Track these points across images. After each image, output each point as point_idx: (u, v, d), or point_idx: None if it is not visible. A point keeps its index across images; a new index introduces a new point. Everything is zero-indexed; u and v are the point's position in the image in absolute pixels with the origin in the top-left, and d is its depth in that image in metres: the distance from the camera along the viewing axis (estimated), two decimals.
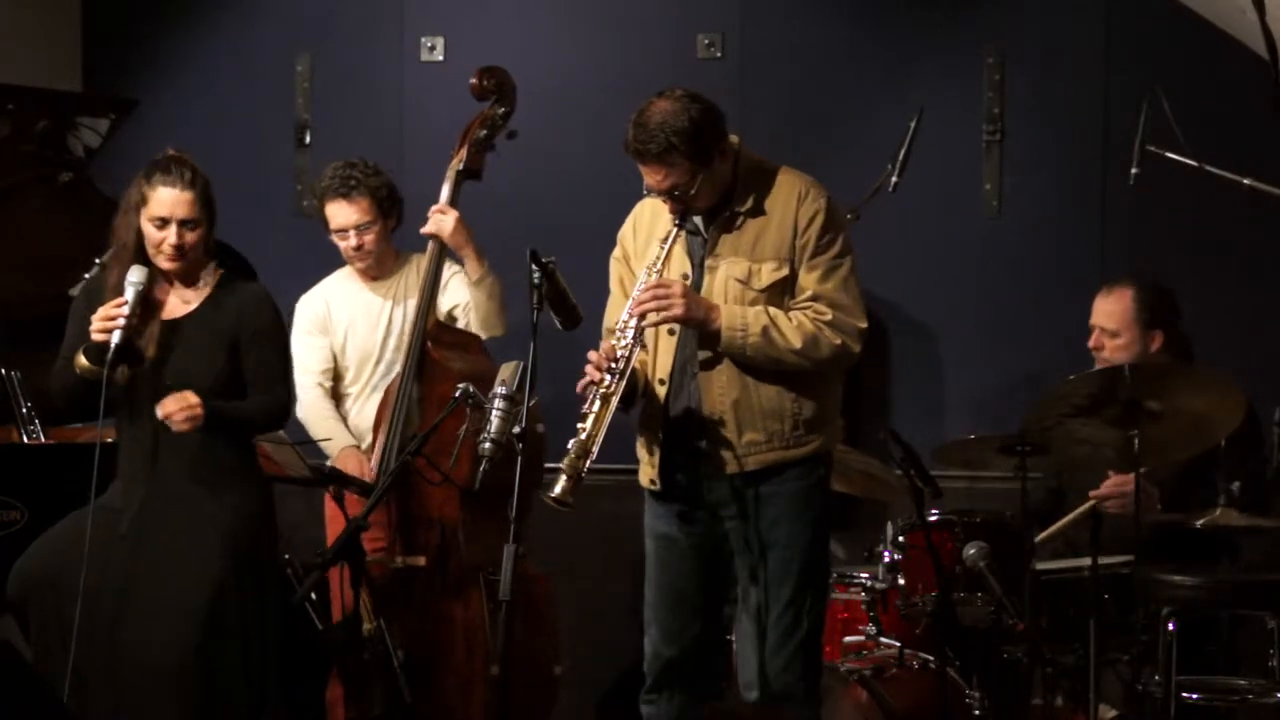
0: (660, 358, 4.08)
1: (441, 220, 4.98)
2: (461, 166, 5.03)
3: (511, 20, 6.05)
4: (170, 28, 6.25)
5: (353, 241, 5.09)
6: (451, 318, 5.09)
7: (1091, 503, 4.60)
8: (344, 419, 5.16)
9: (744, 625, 4.12)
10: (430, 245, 5.00)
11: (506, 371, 4.05)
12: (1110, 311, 4.85)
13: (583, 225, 5.72)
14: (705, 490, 4.08)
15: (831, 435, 4.14)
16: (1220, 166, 4.86)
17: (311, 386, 5.14)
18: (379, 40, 6.13)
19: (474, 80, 5.06)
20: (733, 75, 5.81)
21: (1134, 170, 4.92)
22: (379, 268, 5.16)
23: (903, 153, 5.31)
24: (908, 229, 5.70)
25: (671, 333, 4.05)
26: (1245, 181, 4.83)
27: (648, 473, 4.13)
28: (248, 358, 4.22)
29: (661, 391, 4.07)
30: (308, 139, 6.15)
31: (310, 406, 5.13)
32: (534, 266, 3.95)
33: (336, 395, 5.20)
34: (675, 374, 4.06)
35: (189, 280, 4.25)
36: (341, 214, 5.08)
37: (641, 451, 4.15)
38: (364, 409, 5.12)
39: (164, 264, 4.19)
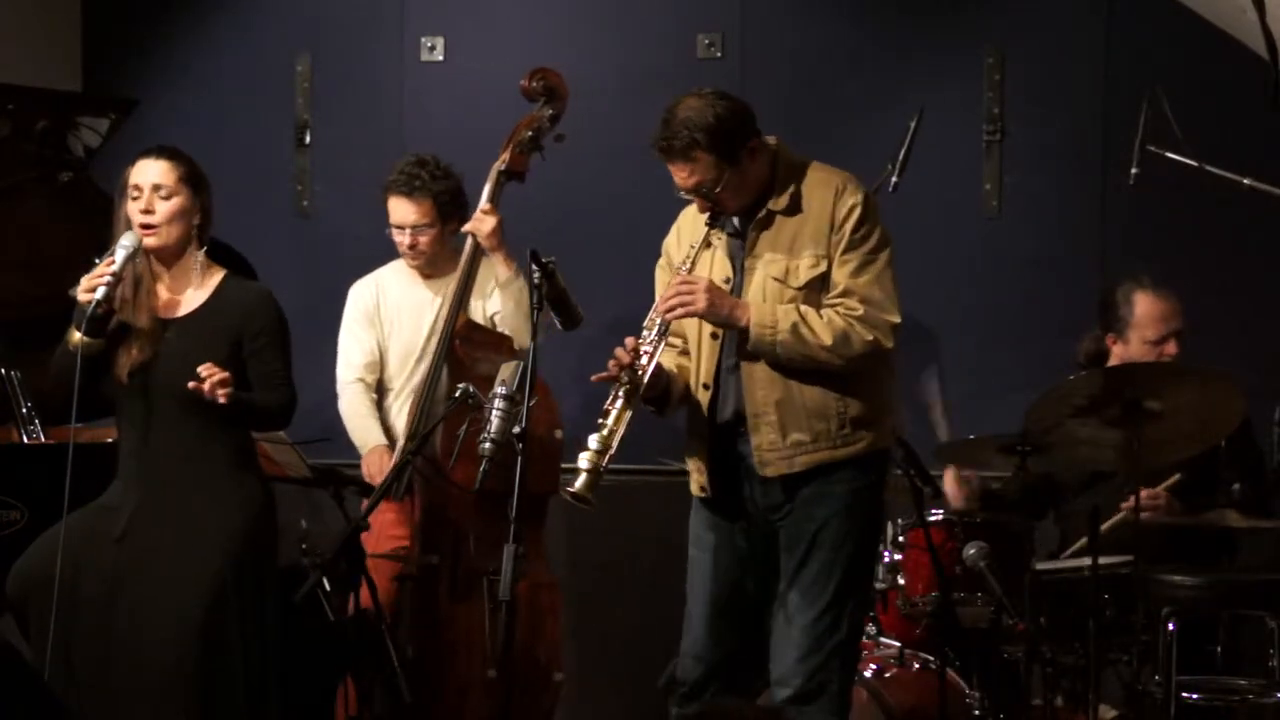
0: (704, 362, 4.04)
1: (481, 221, 4.96)
2: (504, 167, 5.01)
3: (512, 20, 6.05)
4: (170, 28, 6.25)
5: (408, 240, 5.09)
6: (492, 323, 5.08)
7: (1124, 513, 4.58)
8: (385, 417, 5.15)
9: (781, 622, 4.04)
10: (466, 244, 5.00)
11: (506, 371, 4.05)
12: (1178, 310, 4.89)
13: (583, 225, 5.74)
14: (756, 494, 4.03)
15: (882, 433, 4.04)
16: (1220, 166, 4.87)
17: (351, 381, 5.14)
18: (379, 40, 6.13)
19: (523, 82, 5.04)
20: (733, 75, 5.80)
21: (1134, 170, 4.92)
22: (432, 267, 5.15)
23: (903, 153, 5.31)
24: (908, 229, 5.66)
25: (715, 337, 4.01)
26: (1245, 181, 4.83)
27: (698, 480, 4.09)
28: (251, 359, 4.20)
29: (705, 397, 4.03)
30: (308, 139, 6.15)
31: (348, 403, 5.13)
32: (534, 266, 3.94)
33: (381, 391, 5.19)
34: (720, 378, 4.03)
35: (170, 260, 4.21)
36: (400, 211, 5.08)
37: (690, 459, 4.11)
38: (404, 408, 5.09)
39: (145, 240, 4.18)
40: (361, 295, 5.23)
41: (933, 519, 4.62)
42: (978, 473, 4.94)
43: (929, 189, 5.62)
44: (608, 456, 3.83)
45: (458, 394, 4.26)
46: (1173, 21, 5.61)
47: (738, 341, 3.98)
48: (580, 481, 3.82)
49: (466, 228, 4.99)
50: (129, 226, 4.18)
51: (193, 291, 4.25)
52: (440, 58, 6.07)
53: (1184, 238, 5.59)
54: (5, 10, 6.00)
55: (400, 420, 5.07)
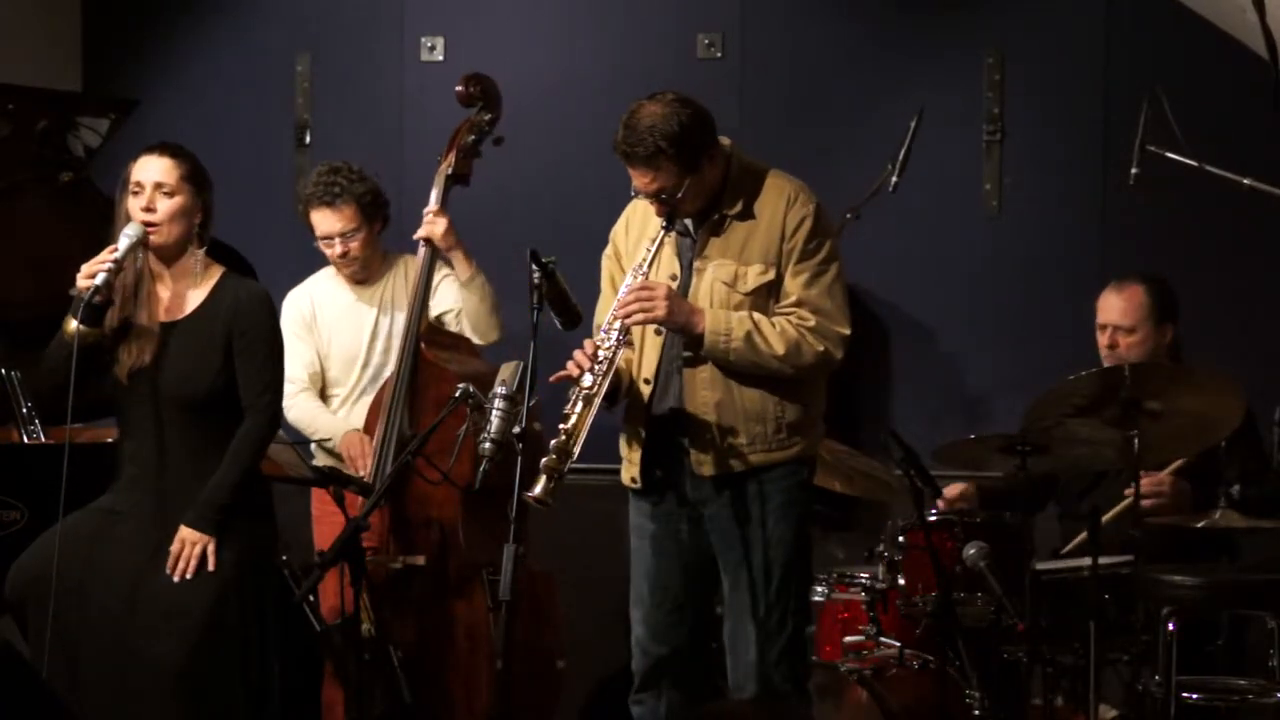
0: (646, 356, 4.09)
1: (433, 224, 4.97)
2: (450, 172, 5.03)
3: (511, 20, 6.05)
4: (170, 28, 6.25)
5: (338, 249, 5.08)
6: (440, 322, 5.07)
7: (1129, 500, 4.55)
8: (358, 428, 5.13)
9: (730, 625, 4.13)
10: (422, 249, 5.00)
11: (506, 371, 4.05)
12: (1124, 308, 4.87)
13: (583, 225, 5.70)
14: (687, 488, 4.10)
15: (814, 440, 4.16)
16: (1220, 166, 4.87)
17: (295, 394, 5.13)
18: (379, 40, 6.13)
19: (460, 88, 5.06)
20: (733, 75, 5.81)
21: (1134, 170, 4.92)
22: (365, 271, 5.14)
23: (903, 153, 5.32)
24: (908, 229, 5.70)
25: (658, 332, 4.07)
26: (1245, 181, 4.83)
27: (629, 471, 4.15)
28: (238, 359, 4.15)
29: (646, 390, 4.09)
30: (308, 139, 6.15)
31: (302, 409, 5.12)
32: (534, 266, 3.95)
33: (323, 399, 5.19)
34: (660, 373, 4.08)
35: (170, 260, 4.18)
36: (326, 222, 5.06)
37: (624, 450, 4.17)
38: (352, 412, 5.10)
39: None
40: (297, 306, 5.20)
41: (933, 519, 4.62)
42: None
43: (929, 189, 5.63)
44: (569, 461, 3.87)
45: (458, 394, 4.26)
46: (1173, 21, 5.61)
47: (683, 342, 4.03)
48: (540, 486, 3.85)
49: (419, 234, 4.99)
50: (129, 222, 4.16)
51: (192, 292, 4.22)
52: (440, 58, 6.07)
53: (1184, 238, 5.59)
54: (5, 10, 6.00)
55: (350, 423, 5.07)
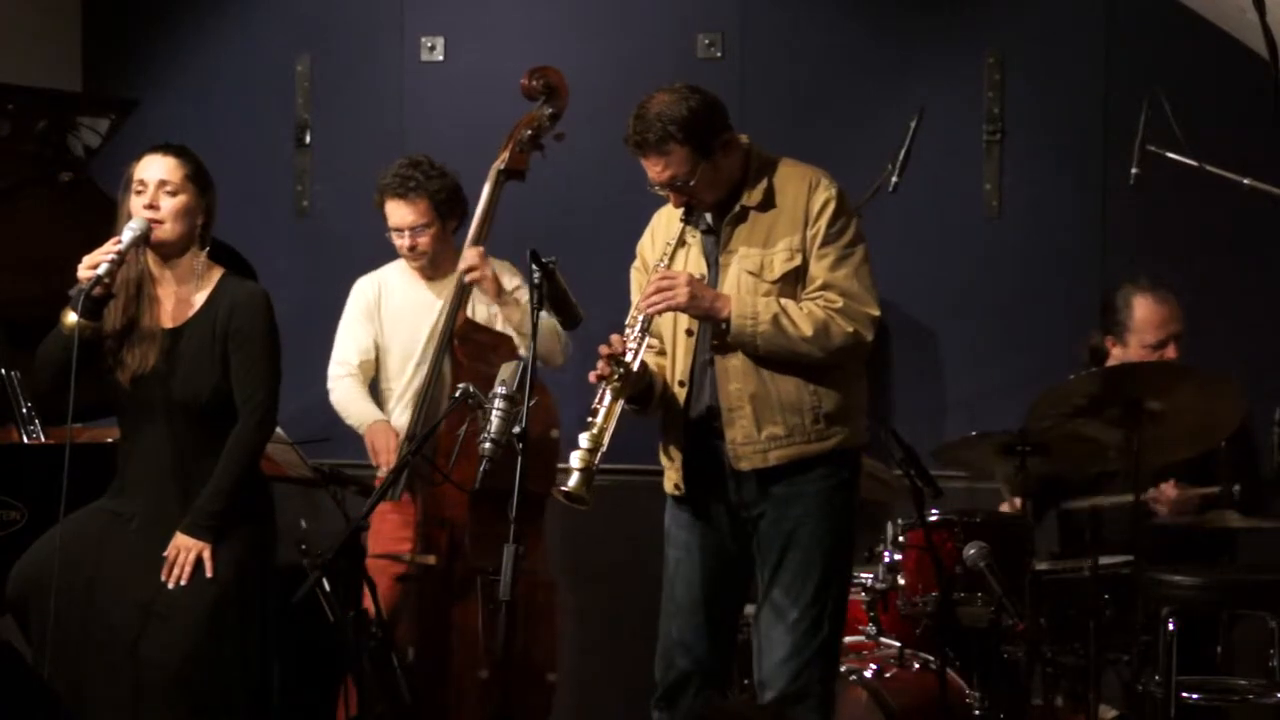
0: (679, 360, 4.06)
1: (472, 264, 4.91)
2: (503, 166, 5.01)
3: (511, 20, 6.05)
4: (170, 28, 6.25)
5: (407, 241, 5.08)
6: (495, 322, 5.06)
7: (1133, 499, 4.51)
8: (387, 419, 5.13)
9: (764, 624, 4.06)
10: (466, 245, 4.98)
11: (506, 371, 4.05)
12: (1177, 314, 4.91)
13: (583, 225, 5.74)
14: (730, 491, 4.04)
15: (855, 430, 4.07)
16: (1220, 166, 4.86)
17: (341, 376, 5.13)
18: (379, 40, 6.13)
19: (523, 80, 5.05)
20: (733, 75, 5.81)
21: (1134, 170, 4.92)
22: (434, 268, 5.14)
23: (903, 153, 5.31)
24: (908, 229, 5.70)
25: (689, 334, 4.04)
26: (1245, 181, 4.83)
27: (672, 477, 4.10)
28: (232, 358, 4.14)
29: (682, 393, 4.05)
30: (308, 139, 6.15)
31: (343, 392, 5.13)
32: (534, 266, 3.95)
33: (379, 394, 5.17)
34: (695, 373, 4.04)
35: (172, 261, 4.17)
36: (398, 214, 5.06)
37: (664, 457, 4.12)
38: (406, 412, 5.07)
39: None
40: (364, 291, 5.22)
41: (933, 519, 4.62)
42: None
43: (929, 189, 5.63)
44: (599, 454, 3.84)
45: (458, 394, 4.26)
46: (1173, 21, 5.61)
47: (712, 336, 4.00)
48: (574, 480, 3.82)
49: (461, 265, 4.94)
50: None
51: (194, 296, 4.22)
52: (440, 58, 6.07)
53: (1184, 238, 5.60)
54: (5, 10, 6.00)
55: (402, 423, 5.06)
